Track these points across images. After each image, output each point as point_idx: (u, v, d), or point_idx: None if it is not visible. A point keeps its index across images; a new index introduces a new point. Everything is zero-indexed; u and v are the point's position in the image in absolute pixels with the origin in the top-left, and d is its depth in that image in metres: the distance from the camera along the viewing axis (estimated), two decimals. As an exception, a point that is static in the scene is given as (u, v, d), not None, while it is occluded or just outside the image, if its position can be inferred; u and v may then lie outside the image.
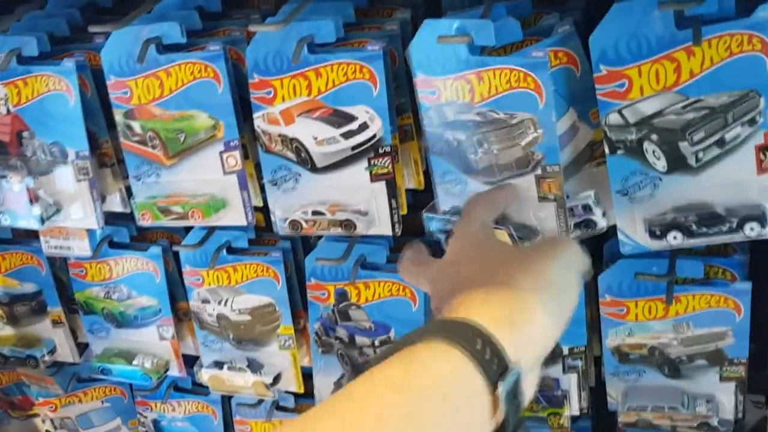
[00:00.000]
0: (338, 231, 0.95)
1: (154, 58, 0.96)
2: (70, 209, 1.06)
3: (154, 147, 1.01)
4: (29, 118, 1.05)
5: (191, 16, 0.98)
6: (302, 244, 1.14)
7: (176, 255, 1.17)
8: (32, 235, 1.21)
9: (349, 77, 0.89)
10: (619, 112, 0.78)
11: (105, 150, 1.07)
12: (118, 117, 1.01)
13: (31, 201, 1.05)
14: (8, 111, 1.05)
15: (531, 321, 0.57)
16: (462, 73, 0.83)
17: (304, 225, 0.96)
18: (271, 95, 0.93)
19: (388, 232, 0.94)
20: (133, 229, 1.20)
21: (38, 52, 1.02)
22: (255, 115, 0.95)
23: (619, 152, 0.80)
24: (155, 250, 1.17)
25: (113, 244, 1.20)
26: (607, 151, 0.80)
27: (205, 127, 0.98)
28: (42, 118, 1.04)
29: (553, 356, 0.99)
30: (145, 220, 1.03)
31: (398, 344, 0.55)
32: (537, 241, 0.83)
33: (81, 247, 1.15)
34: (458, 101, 0.85)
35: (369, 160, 0.92)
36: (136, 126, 1.01)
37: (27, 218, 1.07)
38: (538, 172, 0.82)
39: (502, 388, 0.52)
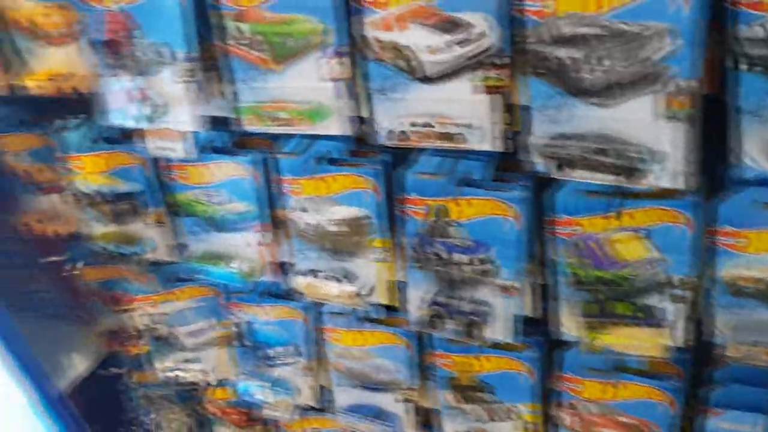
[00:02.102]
0: (447, 144, 0.92)
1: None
2: (176, 111, 1.07)
3: (261, 51, 1.00)
4: (139, 16, 1.05)
5: None
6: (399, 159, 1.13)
7: (272, 163, 1.18)
8: (137, 136, 1.23)
9: (468, -17, 0.85)
10: (764, 25, 0.72)
11: (212, 53, 1.06)
12: (228, 19, 1.00)
13: (140, 100, 1.06)
14: (119, 9, 1.05)
15: None
16: (588, -20, 0.78)
17: (411, 137, 0.94)
18: (384, 0, 0.90)
19: (500, 148, 0.92)
20: (235, 134, 1.21)
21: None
22: (365, 21, 0.92)
23: (756, 69, 0.74)
24: (256, 156, 1.18)
25: (215, 149, 1.21)
26: (741, 66, 0.75)
27: (314, 32, 0.96)
28: (152, 17, 1.04)
29: (659, 285, 0.96)
30: (250, 125, 1.03)
31: None
32: None
33: (184, 149, 1.16)
34: (580, 12, 0.80)
35: (483, 71, 0.89)
36: (245, 28, 1.00)
37: (135, 117, 1.08)
38: (671, 89, 0.77)
39: None
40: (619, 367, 1.10)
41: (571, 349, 1.10)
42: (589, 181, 0.86)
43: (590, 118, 0.83)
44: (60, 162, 1.35)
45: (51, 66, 1.21)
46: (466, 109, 0.91)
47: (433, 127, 0.92)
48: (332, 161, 1.13)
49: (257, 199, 1.21)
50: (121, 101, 1.09)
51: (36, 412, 1.19)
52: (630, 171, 0.83)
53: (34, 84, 1.22)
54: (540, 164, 0.87)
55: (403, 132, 0.95)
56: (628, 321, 1.01)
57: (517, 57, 0.87)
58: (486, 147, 0.92)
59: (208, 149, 1.20)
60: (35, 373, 1.18)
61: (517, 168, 1.02)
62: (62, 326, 1.76)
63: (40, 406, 1.18)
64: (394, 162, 1.11)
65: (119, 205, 1.32)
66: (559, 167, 0.85)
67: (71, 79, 1.20)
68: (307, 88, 0.99)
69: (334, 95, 0.98)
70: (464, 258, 1.07)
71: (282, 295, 1.34)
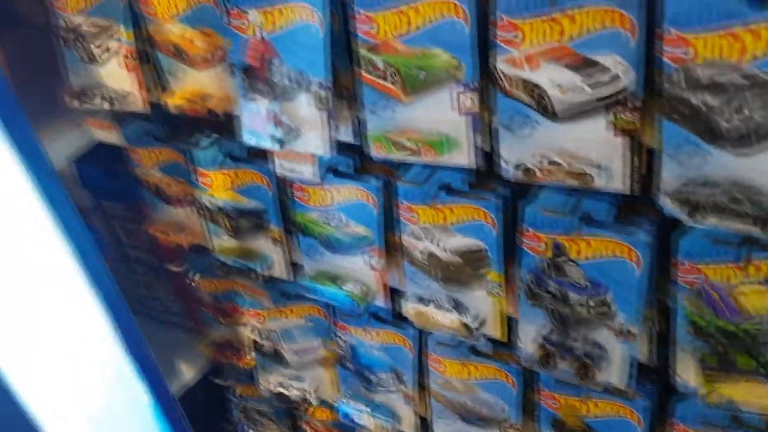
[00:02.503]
0: (574, 182, 0.93)
1: (405, -9, 0.98)
2: (308, 135, 1.12)
3: (393, 83, 1.04)
4: (280, 45, 1.10)
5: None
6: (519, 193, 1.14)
7: (392, 189, 1.20)
8: (263, 156, 1.28)
9: (606, 24, 0.86)
10: None
11: (343, 81, 1.11)
12: (363, 51, 1.04)
13: (274, 124, 1.12)
14: (262, 37, 1.11)
15: None
16: (731, 28, 0.78)
17: (538, 173, 0.95)
18: (518, 38, 0.92)
19: (626, 190, 0.91)
20: (357, 159, 1.24)
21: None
22: (498, 58, 0.94)
23: None
24: (376, 182, 1.21)
25: (337, 173, 1.25)
26: None
27: (447, 67, 0.99)
28: (291, 47, 1.09)
29: None
30: (378, 152, 1.07)
31: None
32: None
33: (309, 172, 1.21)
34: (719, 61, 0.79)
35: (615, 113, 0.89)
36: (379, 61, 1.04)
37: (268, 140, 1.13)
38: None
39: None
40: (735, 423, 1.06)
41: (685, 400, 1.08)
42: (720, 228, 0.84)
43: (725, 165, 0.82)
44: (189, 177, 1.43)
45: (190, 87, 1.29)
46: (595, 150, 0.91)
47: (560, 165, 0.93)
48: (451, 191, 1.15)
49: (374, 224, 1.24)
50: (256, 124, 1.15)
51: (156, 413, 1.25)
52: (765, 221, 0.81)
53: (173, 103, 1.29)
54: (670, 209, 0.86)
55: (528, 169, 0.96)
56: (749, 375, 0.97)
57: (650, 100, 0.87)
58: (613, 188, 0.92)
59: (330, 172, 1.25)
60: (153, 375, 1.24)
61: (640, 210, 1.01)
62: (174, 333, 1.84)
63: (156, 409, 1.24)
64: (513, 196, 1.12)
65: (241, 222, 1.38)
66: (691, 213, 0.84)
67: (209, 100, 1.27)
68: (436, 120, 1.02)
69: (462, 128, 1.00)
70: (580, 298, 1.06)
71: (389, 320, 1.36)
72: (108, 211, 1.78)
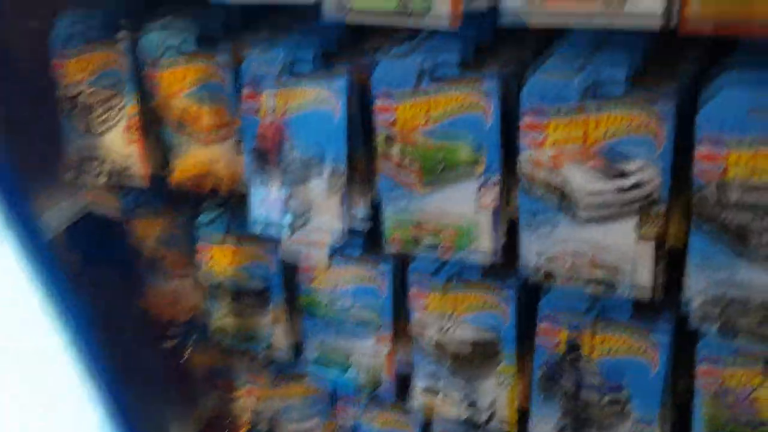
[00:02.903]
0: (594, 287, 0.91)
1: (426, 85, 0.96)
2: (319, 221, 1.09)
3: (411, 173, 1.02)
4: (293, 129, 1.08)
5: (465, 48, 0.98)
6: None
7: (402, 275, 1.18)
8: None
9: (632, 130, 0.85)
10: None
11: (357, 165, 1.09)
12: (380, 139, 1.02)
13: (284, 209, 1.09)
14: (274, 120, 1.09)
15: None
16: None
17: (558, 276, 0.93)
18: (542, 138, 0.91)
19: (647, 294, 0.90)
20: (366, 240, 1.22)
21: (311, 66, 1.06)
22: (521, 156, 0.93)
23: None
24: (386, 266, 1.18)
25: (345, 255, 1.22)
26: None
27: (467, 161, 0.97)
28: (305, 131, 1.07)
29: None
30: (394, 245, 1.04)
31: None
32: None
33: (317, 256, 1.18)
34: (752, 179, 0.79)
35: (641, 217, 0.88)
36: (396, 150, 1.02)
37: (278, 226, 1.11)
38: None
39: None
40: None
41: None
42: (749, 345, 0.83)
43: (757, 283, 0.81)
44: (188, 250, 1.39)
45: (195, 163, 1.26)
46: (619, 254, 0.90)
47: (581, 268, 0.92)
48: (464, 280, 1.13)
49: (383, 309, 1.21)
50: (265, 208, 1.12)
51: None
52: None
53: (176, 178, 1.27)
54: (698, 323, 0.85)
55: (549, 272, 0.94)
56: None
57: (677, 210, 0.86)
58: (637, 294, 0.90)
59: (338, 253, 1.22)
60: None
61: (659, 312, 1.00)
62: (164, 404, 1.78)
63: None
64: (527, 289, 1.10)
65: (242, 299, 1.35)
66: (722, 331, 0.83)
67: (213, 177, 1.24)
68: (455, 214, 1.00)
69: (483, 224, 0.99)
70: (595, 396, 1.04)
71: (394, 405, 1.33)
72: (97, 278, 1.73)
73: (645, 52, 0.90)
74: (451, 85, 0.95)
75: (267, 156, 1.11)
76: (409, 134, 1.00)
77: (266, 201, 1.11)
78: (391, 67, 0.97)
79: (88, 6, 1.26)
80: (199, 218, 1.35)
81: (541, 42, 0.99)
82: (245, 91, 1.10)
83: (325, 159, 1.06)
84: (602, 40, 0.91)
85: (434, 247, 1.01)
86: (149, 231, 1.47)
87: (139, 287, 1.57)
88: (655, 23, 0.70)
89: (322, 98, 1.04)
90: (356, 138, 1.06)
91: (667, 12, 0.69)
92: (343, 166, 1.05)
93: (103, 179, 1.28)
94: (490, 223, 0.98)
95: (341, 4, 0.86)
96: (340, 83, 1.02)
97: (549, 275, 0.94)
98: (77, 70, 1.28)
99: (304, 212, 1.10)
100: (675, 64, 0.93)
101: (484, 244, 1.00)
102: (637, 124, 0.84)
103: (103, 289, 1.71)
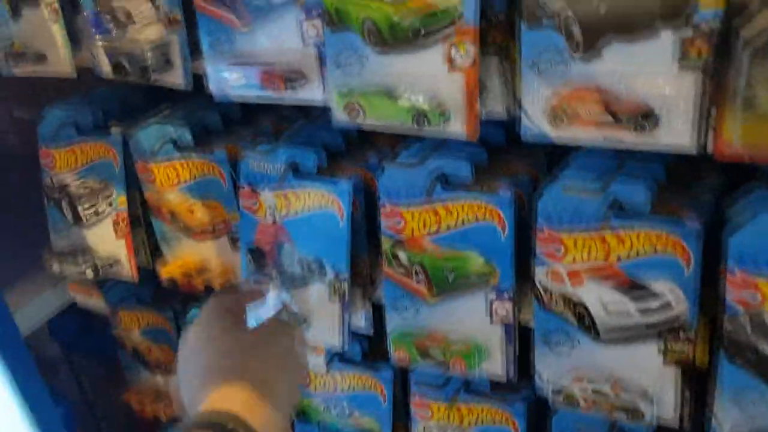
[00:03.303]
0: (619, 415, 0.86)
1: (438, 193, 0.92)
2: (319, 327, 1.03)
3: (418, 281, 0.97)
4: (293, 230, 1.03)
5: (479, 153, 0.94)
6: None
7: (405, 381, 1.12)
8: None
9: (658, 250, 0.81)
10: None
11: (360, 268, 1.04)
12: (386, 245, 0.97)
13: (282, 314, 1.03)
14: (274, 220, 1.04)
15: (272, 400, 0.72)
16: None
17: (582, 402, 0.88)
18: (561, 252, 0.86)
19: (674, 424, 0.85)
20: (366, 344, 1.16)
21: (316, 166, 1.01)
22: (537, 269, 0.88)
23: None
24: (388, 373, 1.12)
25: (344, 359, 1.16)
26: None
27: (479, 272, 0.93)
28: (306, 233, 1.02)
29: None
30: (399, 358, 0.98)
31: None
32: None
33: (315, 363, 1.12)
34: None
35: (666, 341, 0.83)
36: (403, 256, 0.97)
37: (276, 332, 1.04)
38: None
39: None
40: None
41: None
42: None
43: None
44: (174, 345, 1.32)
45: (186, 259, 1.20)
46: (642, 377, 0.85)
47: (605, 395, 0.86)
48: (472, 391, 1.07)
49: (383, 417, 1.14)
50: (261, 311, 1.06)
51: None
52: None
53: (165, 274, 1.21)
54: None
55: (571, 395, 0.88)
56: None
57: (705, 334, 0.82)
58: (663, 423, 0.85)
59: (336, 358, 1.16)
60: None
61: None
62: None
63: None
64: (539, 401, 1.05)
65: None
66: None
67: (205, 274, 1.18)
68: (466, 327, 0.95)
69: (496, 339, 0.93)
70: None
71: None
72: (77, 366, 1.65)
73: (667, 163, 0.87)
74: (464, 194, 0.90)
75: (265, 256, 1.06)
76: (418, 241, 0.95)
77: (263, 306, 1.05)
78: (400, 175, 0.93)
79: (81, 97, 1.22)
80: (188, 315, 1.28)
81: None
82: (243, 188, 1.06)
83: (327, 263, 1.01)
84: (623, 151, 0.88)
85: (443, 364, 0.95)
86: (135, 323, 1.40)
87: (122, 381, 1.49)
88: (690, 149, 0.66)
89: (325, 201, 0.99)
90: (360, 242, 1.01)
91: (700, 140, 0.66)
92: (345, 272, 1.00)
93: (89, 274, 1.21)
94: (502, 339, 0.93)
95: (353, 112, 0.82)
96: (345, 187, 0.97)
97: (568, 399, 0.88)
98: (66, 160, 1.23)
99: (303, 317, 1.04)
100: (697, 176, 0.90)
101: (496, 365, 0.94)
102: (663, 244, 0.80)
103: (85, 381, 1.64)
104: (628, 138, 0.67)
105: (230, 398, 0.70)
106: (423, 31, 0.76)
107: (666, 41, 0.64)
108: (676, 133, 0.65)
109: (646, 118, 0.65)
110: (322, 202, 0.99)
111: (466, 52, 0.74)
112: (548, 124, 0.71)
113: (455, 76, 0.76)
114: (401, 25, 0.76)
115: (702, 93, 0.63)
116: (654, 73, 0.65)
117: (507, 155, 0.99)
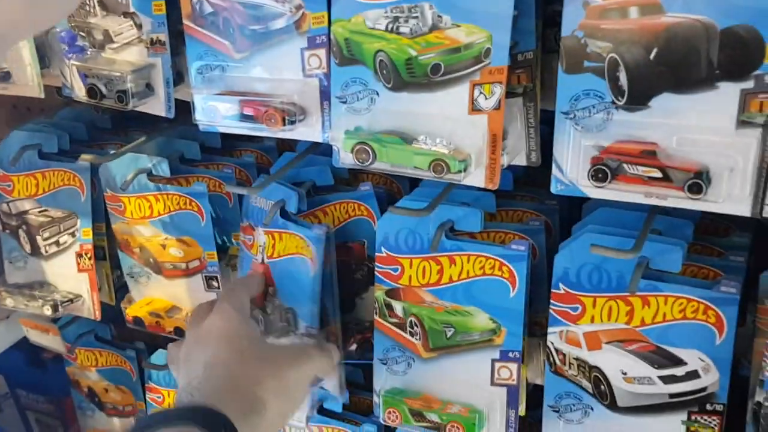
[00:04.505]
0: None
1: (443, 243, 0.84)
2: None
3: (413, 334, 0.89)
4: (277, 273, 0.95)
5: (487, 198, 0.87)
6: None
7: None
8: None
9: (688, 316, 0.74)
10: None
11: (332, 329, 0.95)
12: (378, 293, 0.89)
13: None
14: (263, 260, 0.95)
15: (263, 419, 0.73)
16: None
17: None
18: (578, 312, 0.79)
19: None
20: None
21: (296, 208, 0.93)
22: (550, 330, 0.81)
23: None
24: (370, 428, 1.03)
25: (324, 410, 1.07)
26: None
27: (482, 329, 0.85)
28: (286, 279, 0.94)
29: None
30: (390, 420, 0.90)
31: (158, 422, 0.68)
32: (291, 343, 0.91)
33: (295, 418, 1.03)
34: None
35: (690, 414, 0.76)
36: (398, 307, 0.89)
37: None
38: None
39: None
40: None
41: None
42: None
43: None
44: (133, 387, 1.22)
45: (155, 298, 1.10)
46: (662, 454, 0.78)
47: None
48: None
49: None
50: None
51: None
52: None
53: (131, 314, 1.11)
54: None
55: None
56: None
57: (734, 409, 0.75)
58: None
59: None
60: None
61: None
62: None
63: None
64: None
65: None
66: None
67: (175, 314, 1.09)
68: (464, 388, 0.87)
69: (497, 403, 0.86)
70: None
71: None
72: (24, 403, 1.53)
73: (696, 219, 0.81)
74: (472, 245, 0.83)
75: (254, 298, 0.97)
76: (415, 291, 0.87)
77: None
78: (402, 223, 0.85)
79: (45, 119, 1.12)
80: (152, 358, 1.18)
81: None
82: (243, 222, 0.98)
83: (300, 315, 0.92)
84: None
85: (438, 428, 0.87)
86: (92, 362, 1.29)
87: (74, 422, 1.38)
88: (747, 213, 0.60)
89: (302, 245, 0.91)
90: (332, 295, 0.93)
91: (757, 205, 0.59)
92: (314, 327, 0.91)
93: (47, 311, 1.10)
94: (505, 404, 0.85)
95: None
96: (318, 234, 0.88)
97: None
98: (26, 186, 1.12)
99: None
100: (724, 231, 0.85)
101: (495, 425, 0.86)
102: (694, 310, 0.73)
103: (32, 420, 1.51)
104: (677, 198, 0.60)
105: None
106: (443, 69, 0.68)
107: (724, 94, 0.57)
108: (733, 196, 0.59)
109: (699, 177, 0.59)
110: (299, 248, 0.91)
111: (492, 93, 0.67)
112: (584, 178, 0.64)
113: (477, 119, 0.68)
114: (419, 60, 0.69)
115: (763, 152, 0.57)
116: (710, 129, 0.58)
117: (513, 196, 0.93)
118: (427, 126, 0.70)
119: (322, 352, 0.87)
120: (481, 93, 0.67)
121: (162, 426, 0.67)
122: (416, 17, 0.67)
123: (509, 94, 0.70)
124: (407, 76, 0.70)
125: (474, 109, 0.68)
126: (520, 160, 0.75)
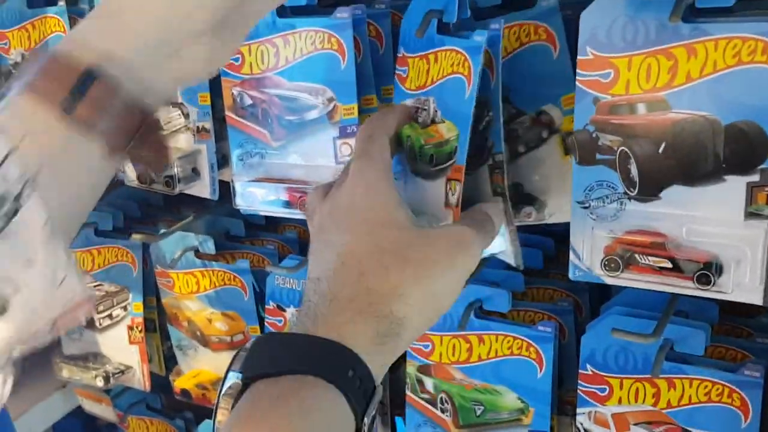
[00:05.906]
0: None
1: (472, 322, 0.86)
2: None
3: (443, 411, 0.90)
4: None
5: (515, 277, 0.89)
6: None
7: None
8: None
9: (713, 399, 0.74)
10: None
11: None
12: (410, 368, 0.91)
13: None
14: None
15: (399, 342, 0.56)
16: None
17: None
18: (605, 393, 0.80)
19: None
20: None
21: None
22: (579, 410, 0.82)
23: None
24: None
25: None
26: None
27: (511, 409, 0.86)
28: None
29: None
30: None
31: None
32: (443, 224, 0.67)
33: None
34: None
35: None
36: (429, 383, 0.91)
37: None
38: None
39: (368, 419, 0.52)
40: None
41: None
42: None
43: None
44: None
45: (202, 370, 1.15)
46: None
47: None
48: None
49: None
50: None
51: None
52: None
53: (179, 386, 1.15)
54: None
55: None
56: None
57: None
58: None
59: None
60: None
61: None
62: None
63: None
64: None
65: None
66: None
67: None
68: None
69: (528, 485, 0.86)
70: None
71: None
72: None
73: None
74: (500, 325, 0.85)
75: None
76: (446, 368, 0.89)
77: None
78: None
79: (104, 201, 1.18)
80: (200, 428, 1.21)
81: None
82: (268, 305, 1.01)
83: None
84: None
85: (473, 507, 0.88)
86: (143, 430, 1.33)
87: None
88: (759, 301, 0.61)
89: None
90: None
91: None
92: None
93: (100, 382, 1.15)
94: (536, 485, 0.86)
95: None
96: None
97: None
98: (83, 262, 1.19)
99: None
100: (749, 311, 0.84)
101: None
102: (719, 393, 0.74)
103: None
104: (689, 287, 0.62)
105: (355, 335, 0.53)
106: (435, 161, 0.70)
107: (731, 187, 0.59)
108: (743, 286, 0.60)
109: (708, 268, 0.60)
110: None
111: (454, 191, 0.68)
112: (599, 267, 0.66)
113: (447, 212, 0.69)
114: (424, 149, 0.72)
115: (771, 243, 0.58)
116: (718, 220, 0.60)
117: (545, 274, 0.94)
118: (422, 209, 0.70)
119: (485, 233, 0.64)
120: (450, 188, 0.68)
121: (278, 374, 0.51)
122: (426, 109, 0.70)
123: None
124: (420, 163, 0.73)
125: (447, 203, 0.68)
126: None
